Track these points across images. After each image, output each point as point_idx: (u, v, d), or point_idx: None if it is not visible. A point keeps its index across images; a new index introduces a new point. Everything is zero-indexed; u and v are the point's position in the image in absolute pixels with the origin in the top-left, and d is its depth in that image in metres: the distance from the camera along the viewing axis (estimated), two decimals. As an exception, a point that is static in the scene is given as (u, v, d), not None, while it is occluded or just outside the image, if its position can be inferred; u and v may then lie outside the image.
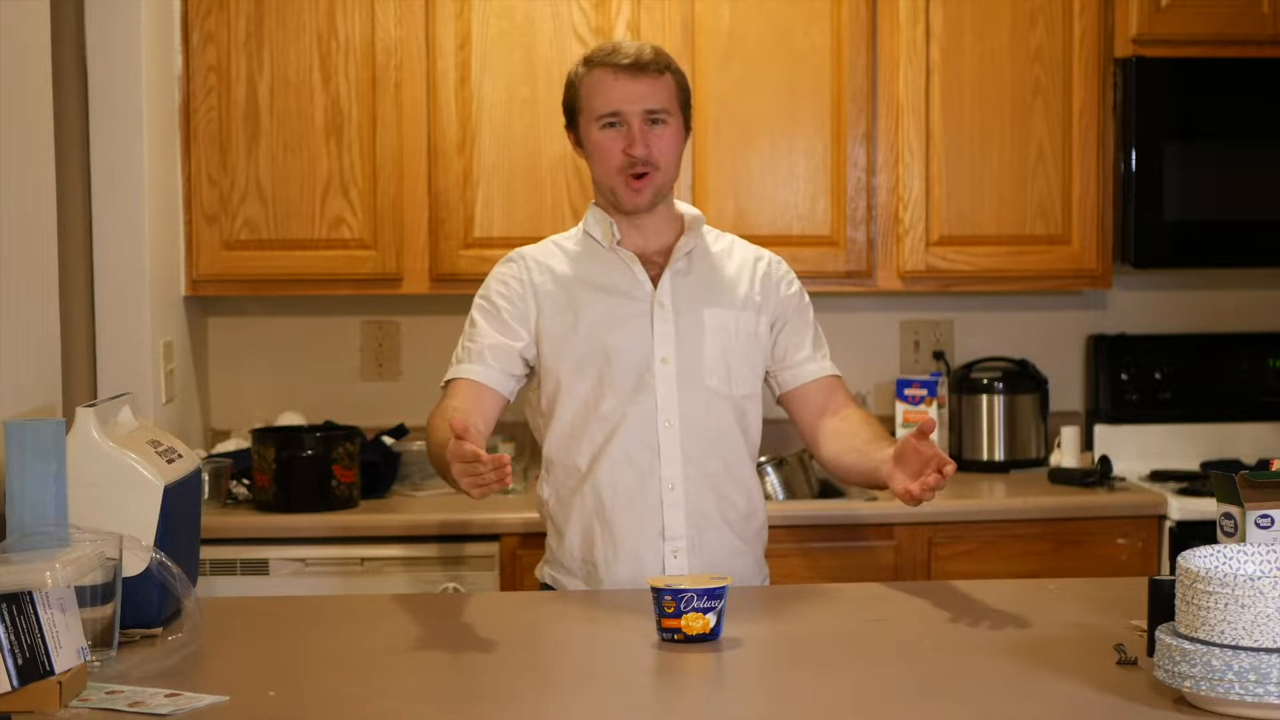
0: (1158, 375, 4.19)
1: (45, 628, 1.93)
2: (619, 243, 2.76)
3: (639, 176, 2.70)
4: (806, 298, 2.87)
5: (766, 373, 2.83)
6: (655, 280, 2.75)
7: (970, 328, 4.29)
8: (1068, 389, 4.29)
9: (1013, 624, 2.36)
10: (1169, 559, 3.64)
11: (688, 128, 2.78)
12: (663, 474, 2.69)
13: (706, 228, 2.85)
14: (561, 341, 2.72)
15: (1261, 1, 3.91)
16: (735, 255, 2.84)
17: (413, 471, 3.88)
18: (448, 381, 2.74)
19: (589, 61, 2.73)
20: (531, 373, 2.78)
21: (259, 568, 3.51)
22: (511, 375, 2.74)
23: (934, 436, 3.90)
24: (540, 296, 2.75)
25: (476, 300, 2.80)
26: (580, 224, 2.83)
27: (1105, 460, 3.88)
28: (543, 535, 2.84)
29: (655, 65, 2.70)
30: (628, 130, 2.69)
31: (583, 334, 2.71)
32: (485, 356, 2.72)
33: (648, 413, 2.69)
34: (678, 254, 2.76)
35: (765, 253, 2.88)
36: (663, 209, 2.78)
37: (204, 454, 3.83)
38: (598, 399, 2.70)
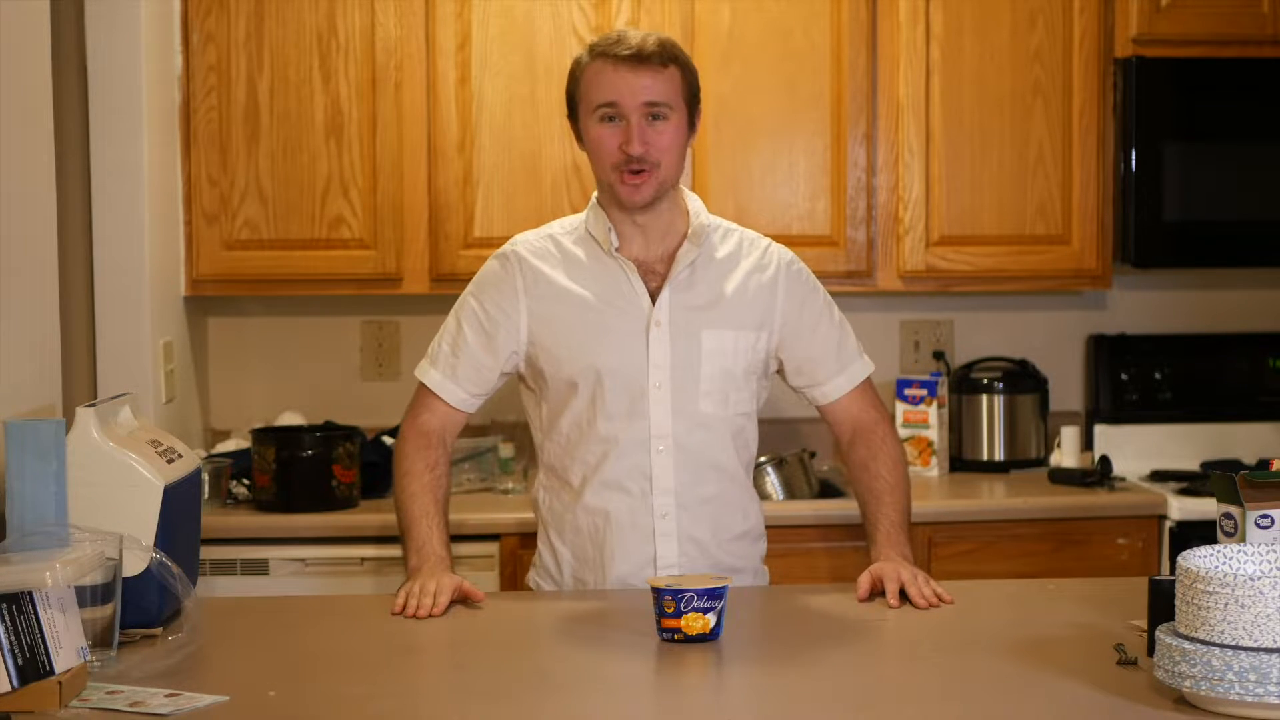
0: (1158, 375, 4.19)
1: (45, 628, 1.93)
2: (617, 249, 2.66)
3: (636, 173, 2.58)
4: (821, 296, 2.76)
5: (793, 387, 2.78)
6: (653, 292, 2.65)
7: (970, 328, 4.29)
8: (1068, 389, 4.29)
9: (1013, 624, 2.36)
10: (1169, 559, 3.64)
11: (693, 123, 2.65)
12: (655, 502, 2.64)
13: (714, 222, 2.73)
14: (554, 354, 2.65)
15: (1261, 1, 3.91)
16: (742, 263, 2.71)
17: (413, 471, 3.87)
18: (422, 383, 2.75)
19: (592, 50, 2.62)
20: (519, 375, 2.75)
21: (259, 568, 3.51)
22: (480, 395, 2.74)
23: (934, 435, 3.96)
24: (533, 305, 2.67)
25: (468, 300, 2.72)
26: (583, 215, 2.73)
27: (1105, 460, 3.88)
28: (543, 535, 2.84)
29: (659, 57, 2.57)
30: (625, 125, 2.56)
31: (576, 350, 2.64)
32: (458, 373, 2.71)
33: (641, 438, 2.63)
34: (679, 265, 2.66)
35: (774, 255, 2.74)
36: (666, 207, 2.66)
37: (204, 454, 3.83)
38: (591, 419, 2.64)
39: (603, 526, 2.65)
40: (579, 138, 2.67)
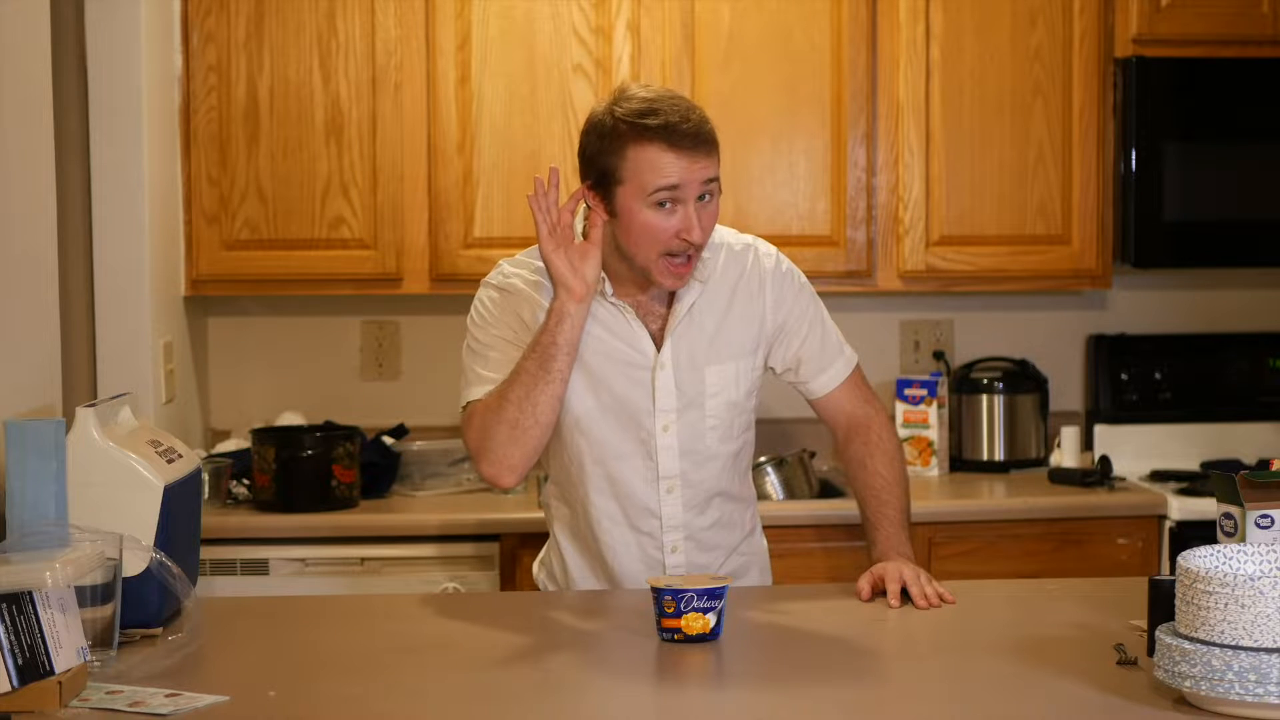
0: (1158, 375, 4.19)
1: (45, 628, 1.93)
2: (614, 295, 2.57)
3: (685, 261, 2.48)
4: (808, 295, 2.71)
5: (786, 381, 2.75)
6: (655, 334, 2.59)
7: (970, 328, 4.29)
8: (1068, 389, 4.29)
9: (1013, 624, 2.36)
10: (1169, 559, 3.64)
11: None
12: (664, 540, 2.63)
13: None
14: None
15: (1261, 1, 3.91)
16: (734, 284, 2.63)
17: (413, 471, 3.87)
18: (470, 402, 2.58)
19: (635, 125, 2.43)
20: None
21: (259, 568, 3.51)
22: None
23: (934, 435, 3.96)
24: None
25: (478, 330, 2.59)
26: None
27: (1105, 460, 3.88)
28: (542, 535, 2.83)
29: (710, 135, 2.45)
30: (684, 212, 2.44)
31: (579, 392, 2.57)
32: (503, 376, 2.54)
33: (649, 478, 2.61)
34: (680, 308, 2.58)
35: (760, 264, 2.66)
36: None
37: (204, 454, 3.83)
38: (598, 459, 2.60)
39: (612, 561, 2.65)
40: (601, 204, 2.49)
